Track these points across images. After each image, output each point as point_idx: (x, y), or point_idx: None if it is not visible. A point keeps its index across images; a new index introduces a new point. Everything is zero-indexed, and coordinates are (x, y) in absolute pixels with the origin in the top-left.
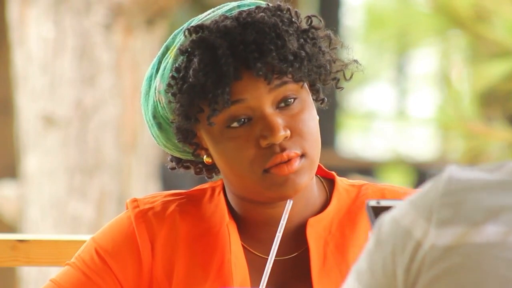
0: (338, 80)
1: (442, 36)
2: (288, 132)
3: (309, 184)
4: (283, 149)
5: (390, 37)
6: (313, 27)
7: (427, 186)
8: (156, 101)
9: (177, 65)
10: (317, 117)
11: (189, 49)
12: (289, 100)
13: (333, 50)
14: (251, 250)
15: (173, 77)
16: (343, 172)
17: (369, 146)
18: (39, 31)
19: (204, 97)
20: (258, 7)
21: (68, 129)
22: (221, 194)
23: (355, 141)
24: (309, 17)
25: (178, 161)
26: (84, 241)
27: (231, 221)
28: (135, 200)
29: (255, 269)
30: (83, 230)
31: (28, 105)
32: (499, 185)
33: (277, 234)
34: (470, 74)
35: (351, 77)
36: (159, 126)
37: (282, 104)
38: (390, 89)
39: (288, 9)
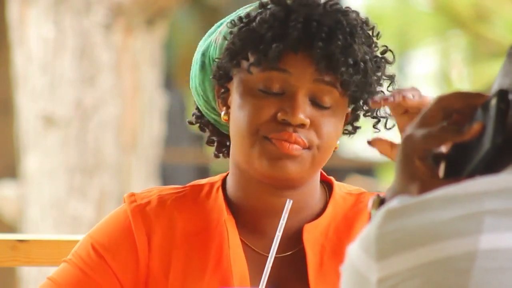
0: (371, 112)
1: (442, 36)
2: (308, 121)
3: (310, 187)
4: (294, 131)
5: (390, 37)
6: (385, 59)
7: (370, 221)
8: (213, 41)
9: (251, 12)
10: (340, 135)
11: (268, 5)
12: (324, 103)
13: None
14: (250, 246)
15: (240, 18)
16: (343, 172)
17: (369, 146)
18: (39, 31)
19: (256, 46)
20: (349, 7)
21: (68, 129)
22: (220, 191)
23: (355, 141)
24: (386, 48)
25: (199, 117)
26: None
27: (229, 216)
28: (132, 195)
29: (253, 264)
30: (83, 230)
31: (28, 105)
32: (436, 202)
33: (277, 233)
34: (470, 74)
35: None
36: (202, 65)
37: (317, 101)
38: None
39: (373, 28)
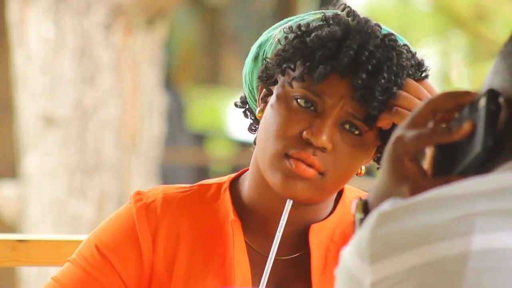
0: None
1: (442, 36)
2: (330, 145)
3: (323, 205)
4: (313, 154)
5: None
6: None
7: (362, 225)
8: (272, 37)
9: (312, 22)
10: (362, 164)
11: (330, 20)
12: (352, 132)
13: None
14: (254, 248)
15: (299, 26)
16: None
17: None
18: (39, 31)
19: (304, 61)
20: (408, 45)
21: (68, 129)
22: (227, 192)
23: None
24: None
25: (244, 102)
26: None
27: (235, 218)
28: (139, 193)
29: (257, 266)
30: (83, 230)
31: (28, 105)
32: (428, 204)
33: (277, 233)
34: (470, 74)
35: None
36: (256, 56)
37: (346, 128)
38: None
39: (426, 69)
